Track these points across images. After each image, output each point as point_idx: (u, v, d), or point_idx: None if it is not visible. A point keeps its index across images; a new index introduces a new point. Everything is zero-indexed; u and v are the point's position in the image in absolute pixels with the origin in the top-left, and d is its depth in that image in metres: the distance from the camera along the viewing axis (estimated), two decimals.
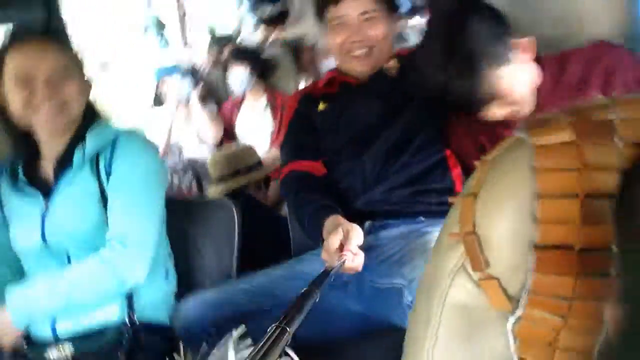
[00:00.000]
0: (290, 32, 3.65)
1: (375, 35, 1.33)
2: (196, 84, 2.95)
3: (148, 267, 1.19)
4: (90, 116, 1.26)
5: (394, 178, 1.30)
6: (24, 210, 1.22)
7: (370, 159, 1.32)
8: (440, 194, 1.29)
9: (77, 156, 1.21)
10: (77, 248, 1.21)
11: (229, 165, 2.09)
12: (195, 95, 2.89)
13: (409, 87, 1.31)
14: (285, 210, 1.88)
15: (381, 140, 1.32)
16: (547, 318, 0.49)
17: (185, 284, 1.35)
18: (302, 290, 0.79)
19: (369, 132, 1.34)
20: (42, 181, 1.24)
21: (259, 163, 2.22)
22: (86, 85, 1.25)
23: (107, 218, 1.20)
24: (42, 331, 1.19)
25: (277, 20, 3.51)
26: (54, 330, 1.18)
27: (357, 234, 1.06)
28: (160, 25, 3.11)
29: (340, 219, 1.13)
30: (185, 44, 3.60)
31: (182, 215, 1.39)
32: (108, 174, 1.21)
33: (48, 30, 1.25)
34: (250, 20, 4.64)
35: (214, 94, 3.16)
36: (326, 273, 0.90)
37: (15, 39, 1.18)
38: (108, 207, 1.19)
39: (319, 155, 1.38)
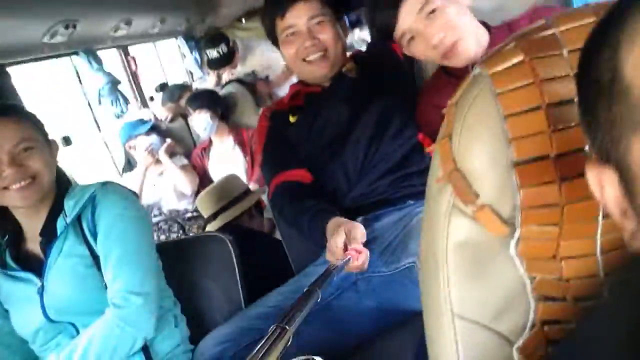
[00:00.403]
0: (240, 70, 3.73)
1: (326, 39, 1.38)
2: (162, 139, 2.96)
3: (155, 316, 1.18)
4: (63, 183, 1.26)
5: (375, 170, 1.34)
6: (20, 294, 1.20)
7: (350, 157, 1.35)
8: (421, 175, 1.32)
9: (59, 225, 1.20)
10: (82, 316, 1.19)
11: (217, 200, 2.08)
12: (163, 150, 2.90)
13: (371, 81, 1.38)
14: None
15: (356, 137, 1.36)
16: (544, 230, 0.51)
17: (199, 325, 1.34)
18: (304, 290, 0.79)
19: (343, 132, 1.37)
20: (32, 260, 1.23)
21: (247, 190, 2.21)
22: (52, 154, 1.24)
23: (103, 279, 1.18)
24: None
25: (224, 61, 3.57)
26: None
27: (359, 233, 1.08)
28: (115, 84, 3.13)
29: (341, 219, 1.14)
30: (142, 102, 3.62)
31: (178, 257, 1.38)
32: (94, 234, 1.20)
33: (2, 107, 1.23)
34: (196, 67, 4.74)
35: (179, 145, 3.18)
36: (328, 272, 0.91)
37: None
38: (102, 266, 1.18)
39: (302, 164, 1.40)
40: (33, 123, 1.21)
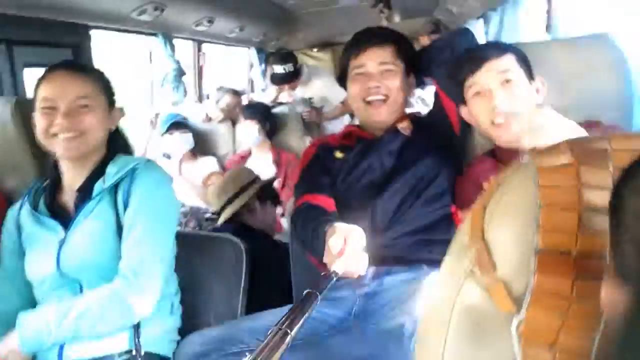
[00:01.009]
0: (299, 93, 3.86)
1: (391, 86, 1.49)
2: (186, 137, 3.08)
3: (156, 300, 1.23)
4: (113, 148, 1.34)
5: (401, 227, 1.38)
6: (41, 239, 1.27)
7: (381, 208, 1.40)
8: (444, 245, 1.34)
9: (97, 187, 1.27)
10: (91, 278, 1.24)
11: (225, 192, 2.10)
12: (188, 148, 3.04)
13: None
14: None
15: (392, 191, 1.41)
16: (548, 318, 0.55)
17: (191, 319, 1.38)
18: (304, 293, 0.80)
19: (381, 182, 1.44)
20: (62, 211, 1.30)
21: (254, 179, 2.20)
22: (110, 117, 1.33)
23: (120, 248, 1.24)
24: (50, 358, 1.21)
25: (287, 79, 3.71)
26: (60, 357, 1.20)
27: (358, 237, 1.09)
28: (181, 73, 3.29)
29: (340, 224, 1.15)
30: (200, 97, 3.78)
31: (191, 251, 1.43)
32: (125, 205, 1.26)
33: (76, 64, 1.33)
34: (260, 79, 4.92)
35: (217, 147, 3.30)
36: (328, 277, 0.91)
37: (48, 70, 1.29)
38: (122, 238, 1.24)
39: (331, 194, 1.46)
40: (100, 84, 1.31)
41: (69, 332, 1.16)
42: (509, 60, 1.33)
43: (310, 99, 3.79)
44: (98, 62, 2.53)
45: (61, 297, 1.24)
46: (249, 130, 3.04)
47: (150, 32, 3.08)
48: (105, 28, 2.66)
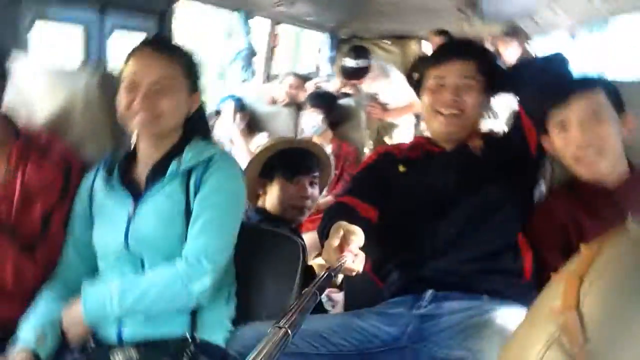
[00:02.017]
0: (365, 87, 3.84)
1: (468, 101, 1.45)
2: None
3: (215, 287, 1.26)
4: (195, 130, 1.38)
5: (464, 253, 1.36)
6: (112, 211, 1.33)
7: (443, 229, 1.38)
8: (508, 276, 1.34)
9: (171, 167, 1.31)
10: (153, 255, 1.29)
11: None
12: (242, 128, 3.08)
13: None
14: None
15: (457, 213, 1.38)
16: None
17: (243, 312, 1.41)
18: (303, 291, 0.80)
19: (446, 202, 1.40)
20: (134, 185, 1.35)
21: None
22: (190, 101, 1.35)
23: (186, 230, 1.28)
24: (108, 334, 1.27)
25: (357, 75, 3.69)
26: (119, 334, 1.25)
27: (357, 235, 1.09)
28: (252, 53, 3.34)
29: (343, 222, 1.14)
30: (268, 77, 3.82)
31: (250, 244, 1.43)
32: (196, 190, 1.30)
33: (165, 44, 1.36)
34: (327, 65, 4.92)
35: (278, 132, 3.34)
36: (328, 275, 0.90)
37: (137, 47, 1.33)
38: (190, 221, 1.28)
39: (376, 204, 1.43)
40: (185, 68, 1.33)
41: (129, 307, 1.22)
42: (598, 95, 1.30)
43: (375, 94, 3.77)
44: (179, 32, 2.59)
45: (123, 271, 1.29)
46: (313, 119, 3.06)
47: (232, 9, 3.13)
48: None
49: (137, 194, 1.32)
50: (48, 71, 1.56)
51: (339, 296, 1.91)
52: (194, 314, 1.28)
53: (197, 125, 1.40)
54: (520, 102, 1.49)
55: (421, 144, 1.56)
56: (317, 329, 1.30)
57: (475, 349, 1.09)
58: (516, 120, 1.50)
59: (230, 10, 3.18)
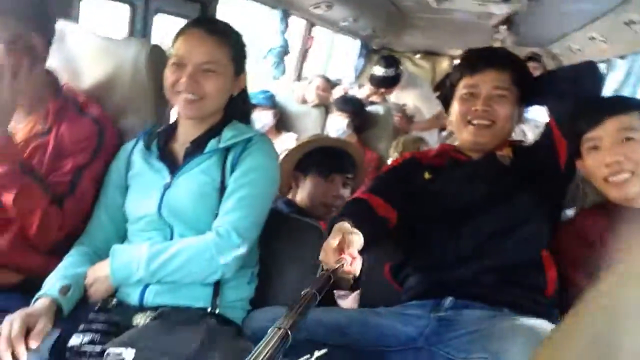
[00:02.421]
0: (393, 97, 3.87)
1: (500, 113, 1.43)
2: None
3: (240, 263, 1.29)
4: (235, 113, 1.41)
5: (486, 263, 1.35)
6: (148, 179, 1.36)
7: (467, 238, 1.38)
8: (530, 290, 1.33)
9: (210, 144, 1.35)
10: (183, 226, 1.32)
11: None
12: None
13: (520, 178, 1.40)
14: None
15: (481, 222, 1.38)
16: None
17: (263, 294, 1.43)
18: (302, 293, 0.80)
19: (471, 211, 1.40)
20: (171, 157, 1.39)
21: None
22: (234, 84, 1.38)
23: (218, 207, 1.31)
24: (131, 296, 1.29)
25: (386, 83, 3.72)
26: (141, 297, 1.28)
27: (356, 239, 1.09)
28: (285, 52, 3.39)
29: (344, 224, 1.14)
30: (299, 78, 3.87)
31: (274, 228, 1.45)
32: (232, 169, 1.33)
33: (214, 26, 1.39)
34: (353, 72, 4.96)
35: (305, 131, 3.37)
36: (327, 278, 0.90)
37: (186, 26, 1.37)
38: (224, 196, 1.31)
39: (396, 205, 1.43)
40: (232, 50, 1.36)
41: (156, 272, 1.24)
42: (633, 118, 1.30)
43: (403, 105, 3.80)
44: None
45: (151, 237, 1.33)
46: (339, 122, 3.09)
47: (272, 6, 3.18)
48: None
49: (173, 167, 1.36)
50: (98, 39, 1.59)
51: (347, 302, 1.89)
52: (217, 289, 1.30)
53: (238, 107, 1.43)
54: (551, 112, 1.47)
55: (447, 152, 1.54)
56: (335, 321, 1.31)
57: (497, 351, 1.07)
58: (547, 131, 1.48)
59: (269, 7, 3.23)
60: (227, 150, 1.35)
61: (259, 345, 0.58)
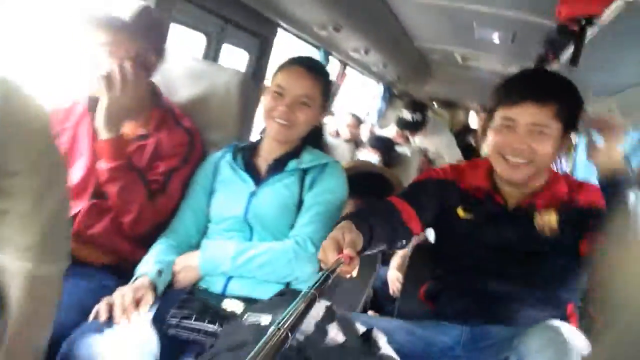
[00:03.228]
0: (417, 141, 4.12)
1: (539, 151, 1.35)
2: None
3: (313, 269, 1.48)
4: (311, 139, 1.64)
5: (514, 305, 1.41)
6: (235, 186, 1.58)
7: (494, 280, 1.42)
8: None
9: (291, 164, 1.57)
10: (263, 230, 1.53)
11: None
12: None
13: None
14: None
15: (511, 273, 1.42)
16: None
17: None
18: (302, 293, 0.81)
19: (501, 262, 1.43)
20: (255, 170, 1.61)
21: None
22: (318, 116, 1.62)
23: (294, 218, 1.53)
24: (215, 285, 1.49)
25: (412, 127, 4.00)
26: (224, 287, 1.48)
27: (355, 239, 1.12)
28: None
29: (345, 223, 1.18)
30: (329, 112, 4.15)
31: None
32: (310, 187, 1.54)
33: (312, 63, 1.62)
34: (375, 114, 5.24)
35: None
36: (325, 277, 0.91)
37: (290, 61, 1.61)
38: (301, 211, 1.52)
39: (423, 219, 1.46)
40: (324, 87, 1.59)
41: (240, 267, 1.45)
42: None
43: (425, 149, 4.06)
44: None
45: (232, 238, 1.53)
46: (370, 158, 3.34)
47: (316, 45, 3.46)
48: (289, 31, 3.05)
49: (257, 178, 1.58)
50: (195, 62, 1.85)
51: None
52: (288, 285, 1.49)
53: (314, 136, 1.67)
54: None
55: (486, 190, 1.50)
56: (384, 328, 1.48)
57: (528, 350, 1.13)
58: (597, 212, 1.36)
59: (314, 47, 3.51)
60: (304, 171, 1.57)
61: (258, 345, 0.57)
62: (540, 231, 1.41)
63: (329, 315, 0.97)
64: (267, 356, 0.55)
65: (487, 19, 2.89)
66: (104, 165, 1.51)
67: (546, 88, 1.38)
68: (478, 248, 1.45)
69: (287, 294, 1.43)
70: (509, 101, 1.38)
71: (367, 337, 0.98)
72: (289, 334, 0.60)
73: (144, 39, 1.56)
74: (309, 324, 0.94)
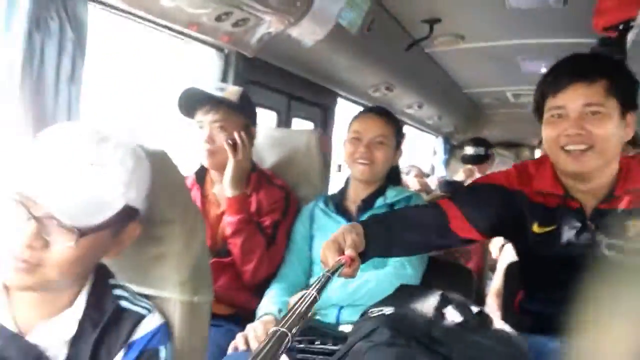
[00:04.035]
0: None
1: (598, 133, 1.23)
2: None
3: None
4: (392, 177, 1.83)
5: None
6: (330, 229, 1.70)
7: (573, 306, 1.33)
8: None
9: (379, 202, 1.74)
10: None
11: None
12: None
13: None
14: None
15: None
16: None
17: None
18: (303, 293, 0.80)
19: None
20: (346, 212, 1.79)
21: None
22: (395, 156, 1.80)
23: None
24: (328, 316, 1.64)
25: (476, 161, 4.11)
26: (338, 316, 1.63)
27: (357, 240, 1.12)
28: None
29: (347, 225, 1.19)
30: None
31: (430, 268, 1.77)
32: None
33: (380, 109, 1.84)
34: (441, 167, 5.38)
35: None
36: (326, 278, 0.92)
37: (361, 112, 1.84)
38: None
39: (473, 220, 1.37)
40: (395, 128, 1.79)
41: (349, 295, 1.61)
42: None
43: None
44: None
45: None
46: None
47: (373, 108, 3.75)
48: (347, 98, 3.35)
49: (349, 219, 1.76)
50: (277, 130, 2.12)
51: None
52: None
53: (394, 175, 1.86)
54: None
55: (559, 196, 1.36)
56: None
57: None
58: None
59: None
60: (391, 205, 1.74)
61: (259, 346, 0.58)
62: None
63: (444, 301, 1.09)
64: (267, 356, 0.56)
65: (530, 51, 3.07)
66: (230, 219, 1.74)
67: (592, 65, 1.29)
68: (559, 262, 1.33)
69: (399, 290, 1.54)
70: (554, 88, 1.28)
71: (480, 315, 1.07)
72: (290, 335, 0.60)
73: (246, 115, 1.85)
74: (428, 310, 1.06)
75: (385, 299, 1.17)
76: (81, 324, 0.96)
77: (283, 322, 0.63)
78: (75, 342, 0.94)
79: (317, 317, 1.66)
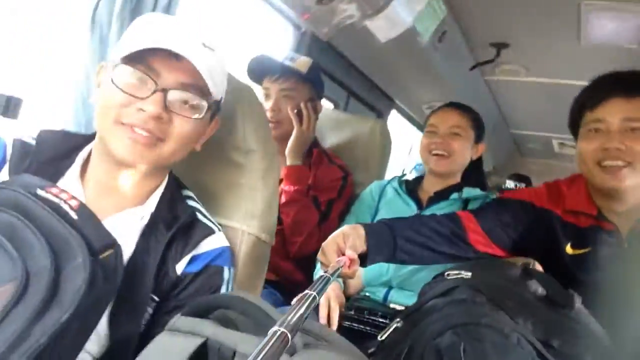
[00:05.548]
0: None
1: (637, 149, 1.18)
2: None
3: None
4: (474, 180, 1.78)
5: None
6: (399, 207, 1.74)
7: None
8: None
9: (453, 195, 1.70)
10: None
11: None
12: None
13: None
14: None
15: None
16: None
17: None
18: (303, 294, 0.79)
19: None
20: (417, 199, 1.76)
21: None
22: (473, 149, 1.75)
23: None
24: (376, 294, 1.62)
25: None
26: (386, 296, 1.61)
27: (356, 241, 1.11)
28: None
29: (347, 227, 1.17)
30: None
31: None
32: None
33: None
34: None
35: None
36: (325, 278, 0.91)
37: (438, 107, 1.83)
38: None
39: (493, 235, 1.34)
40: (473, 122, 1.75)
41: (399, 277, 1.59)
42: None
43: None
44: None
45: None
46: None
47: (419, 125, 3.74)
48: (400, 109, 3.36)
49: (419, 205, 1.73)
50: (337, 114, 2.12)
51: None
52: None
53: (473, 175, 1.81)
54: None
55: (592, 216, 1.30)
56: None
57: None
58: None
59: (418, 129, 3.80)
60: (466, 200, 1.69)
61: (258, 347, 0.57)
62: None
63: (527, 274, 1.04)
64: (267, 356, 0.55)
65: None
66: (287, 187, 1.73)
67: (633, 81, 1.24)
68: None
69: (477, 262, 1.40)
70: (593, 102, 1.25)
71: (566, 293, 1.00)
72: (289, 336, 0.59)
73: (314, 88, 1.86)
74: (510, 279, 1.03)
75: (462, 265, 1.13)
76: (154, 218, 0.96)
77: (283, 321, 0.62)
78: (146, 235, 0.94)
79: (367, 293, 1.63)
